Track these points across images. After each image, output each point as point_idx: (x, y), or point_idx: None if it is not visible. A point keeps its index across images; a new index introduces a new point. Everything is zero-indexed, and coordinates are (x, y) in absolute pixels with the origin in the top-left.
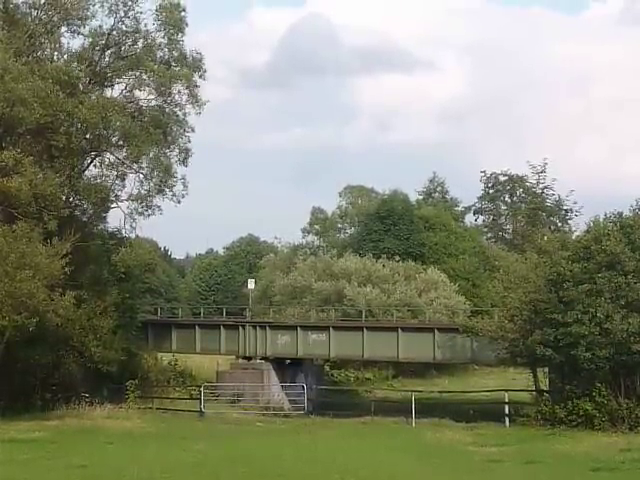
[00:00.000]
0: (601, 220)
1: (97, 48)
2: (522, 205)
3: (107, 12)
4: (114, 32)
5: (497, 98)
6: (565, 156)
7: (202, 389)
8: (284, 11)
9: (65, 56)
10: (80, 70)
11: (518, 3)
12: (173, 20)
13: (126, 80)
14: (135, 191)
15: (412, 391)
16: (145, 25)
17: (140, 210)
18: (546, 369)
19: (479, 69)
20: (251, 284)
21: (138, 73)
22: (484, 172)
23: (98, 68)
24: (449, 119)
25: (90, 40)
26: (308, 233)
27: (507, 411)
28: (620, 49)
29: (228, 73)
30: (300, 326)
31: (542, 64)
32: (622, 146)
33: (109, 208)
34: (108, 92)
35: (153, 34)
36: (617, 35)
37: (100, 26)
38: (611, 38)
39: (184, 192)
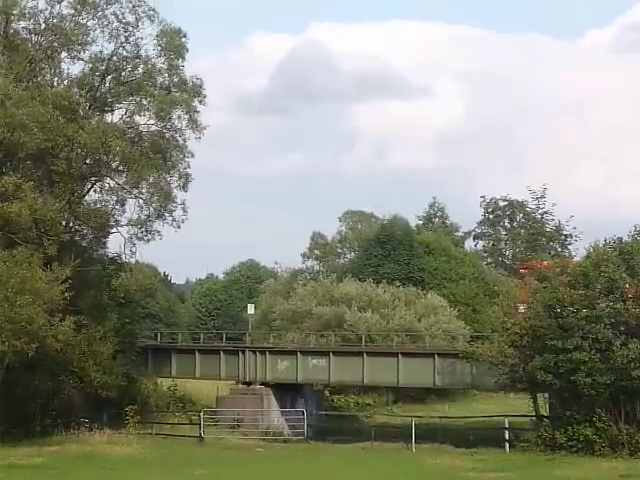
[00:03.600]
0: (600, 246)
1: (97, 73)
2: (522, 230)
3: (107, 38)
4: (114, 57)
5: (495, 124)
6: (563, 182)
7: (202, 414)
8: (283, 38)
9: (65, 81)
10: (80, 95)
11: (515, 30)
12: (173, 46)
13: (126, 105)
14: (135, 216)
15: (412, 416)
16: (145, 51)
17: (140, 235)
18: (546, 395)
19: (477, 96)
20: (251, 309)
21: (138, 98)
22: (484, 197)
23: (98, 93)
24: (448, 145)
25: (90, 65)
26: (308, 258)
27: (507, 436)
28: (614, 76)
29: (227, 99)
30: (300, 351)
31: (540, 90)
32: (620, 172)
33: (109, 233)
34: (108, 117)
35: (153, 60)
36: (611, 62)
37: (100, 51)
38: (606, 65)
39: (184, 217)
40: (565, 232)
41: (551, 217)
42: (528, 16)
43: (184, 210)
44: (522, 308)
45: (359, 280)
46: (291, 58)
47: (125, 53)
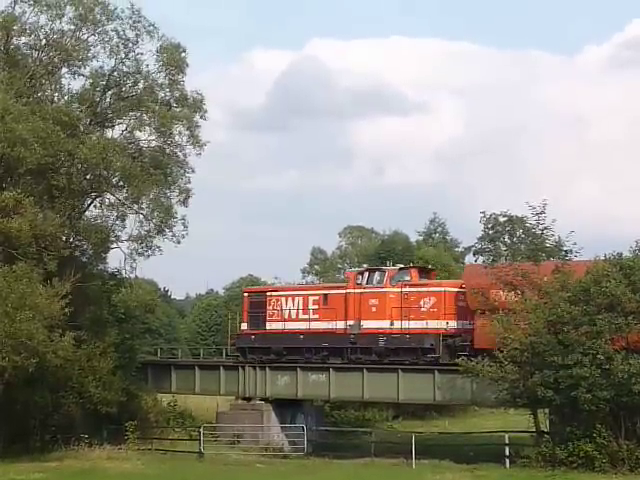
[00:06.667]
0: (601, 261)
1: (98, 89)
2: (522, 246)
3: (108, 53)
4: (115, 73)
5: (495, 140)
6: (563, 197)
7: (202, 430)
8: (283, 54)
9: (66, 97)
10: (81, 111)
11: (514, 46)
12: (174, 61)
13: (127, 121)
14: (135, 231)
15: (412, 432)
16: (146, 66)
17: (140, 250)
18: (546, 410)
19: (476, 111)
20: None
21: (139, 114)
22: (483, 213)
23: (99, 109)
24: (447, 161)
25: (91, 81)
26: (308, 273)
27: (507, 452)
28: (613, 92)
29: (227, 115)
30: (300, 367)
31: (539, 106)
32: (619, 187)
33: (109, 248)
34: (109, 133)
35: (154, 75)
36: (610, 78)
37: (101, 67)
38: (604, 81)
39: (184, 232)
40: (565, 248)
41: (551, 233)
42: (526, 33)
43: (184, 225)
44: (522, 324)
45: None
46: (290, 74)
47: (125, 68)
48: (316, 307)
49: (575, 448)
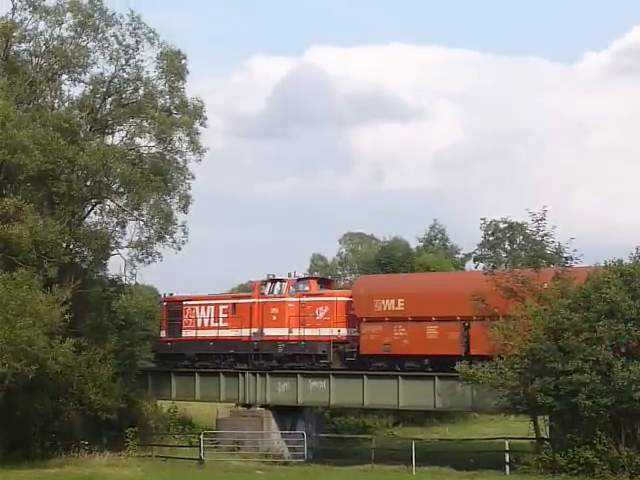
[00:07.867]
0: (601, 268)
1: (98, 95)
2: (522, 252)
3: (108, 60)
4: (115, 80)
5: (494, 146)
6: (564, 204)
7: (202, 436)
8: (283, 60)
9: (66, 103)
10: (81, 117)
11: (513, 53)
12: (174, 68)
13: (127, 127)
14: (135, 238)
15: (412, 439)
16: (147, 73)
17: (140, 257)
18: (546, 417)
19: (476, 118)
20: None
21: (139, 120)
22: (484, 219)
23: (99, 115)
24: (447, 167)
25: (91, 87)
26: None
27: (508, 459)
28: (613, 99)
29: (226, 122)
30: (300, 373)
31: (539, 113)
32: (620, 195)
33: (109, 255)
34: (109, 139)
35: (154, 81)
36: (610, 85)
37: (101, 74)
38: (604, 88)
39: (184, 239)
40: (565, 254)
41: (551, 239)
42: (525, 40)
43: (184, 232)
44: (522, 330)
45: None
46: (290, 81)
47: (126, 75)
48: (225, 316)
49: (575, 455)
